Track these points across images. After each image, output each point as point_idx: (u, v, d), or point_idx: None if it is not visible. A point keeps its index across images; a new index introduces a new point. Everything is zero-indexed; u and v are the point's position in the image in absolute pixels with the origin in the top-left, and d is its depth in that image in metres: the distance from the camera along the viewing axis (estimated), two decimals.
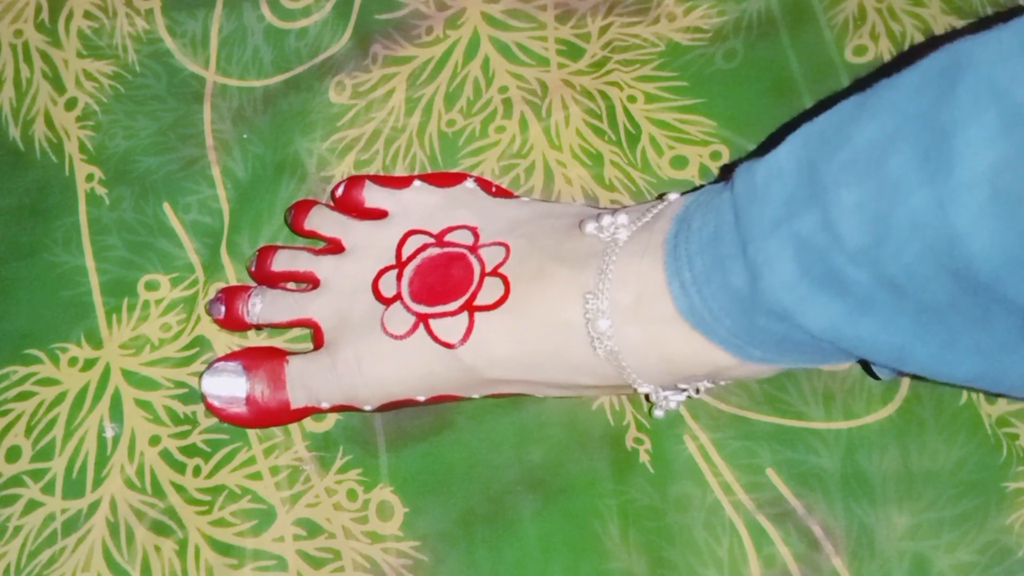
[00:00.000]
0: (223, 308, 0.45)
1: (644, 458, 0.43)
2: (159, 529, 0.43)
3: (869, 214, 0.32)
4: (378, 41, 0.51)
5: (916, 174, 0.31)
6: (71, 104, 0.52)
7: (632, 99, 0.49)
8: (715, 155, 0.48)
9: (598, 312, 0.39)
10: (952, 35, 0.34)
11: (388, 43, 0.51)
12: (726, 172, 0.46)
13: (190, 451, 0.44)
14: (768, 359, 0.38)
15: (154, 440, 0.45)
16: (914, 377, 0.41)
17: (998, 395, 0.42)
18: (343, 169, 0.49)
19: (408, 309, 0.42)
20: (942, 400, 0.42)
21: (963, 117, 0.30)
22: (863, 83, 0.36)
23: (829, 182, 0.33)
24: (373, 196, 0.46)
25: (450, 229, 0.44)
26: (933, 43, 0.35)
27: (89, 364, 0.46)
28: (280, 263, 0.45)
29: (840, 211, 0.32)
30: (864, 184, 0.32)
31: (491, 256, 0.42)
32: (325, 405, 0.43)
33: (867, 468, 0.42)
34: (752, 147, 0.47)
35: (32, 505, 0.44)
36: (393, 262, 0.43)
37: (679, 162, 0.48)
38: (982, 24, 0.35)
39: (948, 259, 0.31)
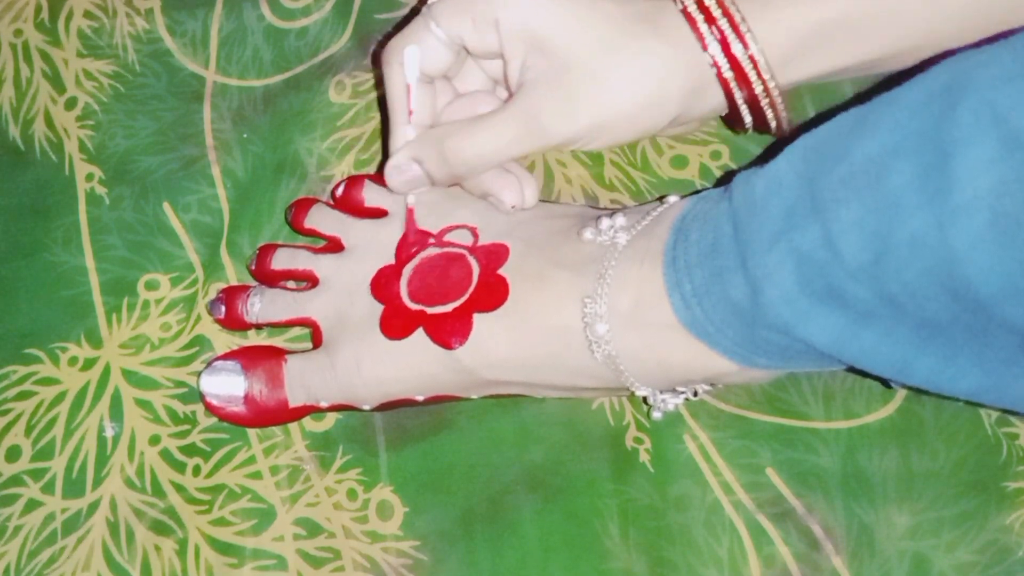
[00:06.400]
0: (223, 308, 0.45)
1: (644, 458, 0.43)
2: (159, 529, 0.43)
3: (869, 232, 0.32)
4: (378, 40, 0.51)
5: (916, 194, 0.31)
6: (71, 104, 0.52)
7: None
8: (715, 155, 0.48)
9: (596, 317, 0.39)
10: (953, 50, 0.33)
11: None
12: (727, 178, 0.46)
13: (190, 450, 0.44)
14: (773, 366, 0.39)
15: (154, 440, 0.45)
16: (918, 391, 0.41)
17: (1003, 411, 0.42)
18: (343, 168, 0.49)
19: (407, 309, 0.42)
20: (942, 400, 0.42)
21: (963, 139, 0.30)
22: (863, 97, 0.35)
23: (829, 197, 0.33)
24: (373, 195, 0.46)
25: (449, 229, 0.44)
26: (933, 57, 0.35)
27: (89, 364, 0.46)
28: (280, 262, 0.45)
29: (840, 228, 0.32)
30: (864, 201, 0.32)
31: (490, 257, 0.42)
32: (324, 404, 0.43)
33: (867, 468, 0.42)
34: (751, 147, 0.47)
35: (32, 505, 0.44)
36: (392, 261, 0.43)
37: (679, 161, 0.48)
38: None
39: (948, 279, 0.31)
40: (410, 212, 0.43)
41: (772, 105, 0.39)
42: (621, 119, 0.40)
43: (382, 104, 0.49)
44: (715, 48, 0.38)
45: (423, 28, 0.41)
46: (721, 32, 0.38)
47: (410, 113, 0.42)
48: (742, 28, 0.38)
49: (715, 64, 0.38)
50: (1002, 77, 0.30)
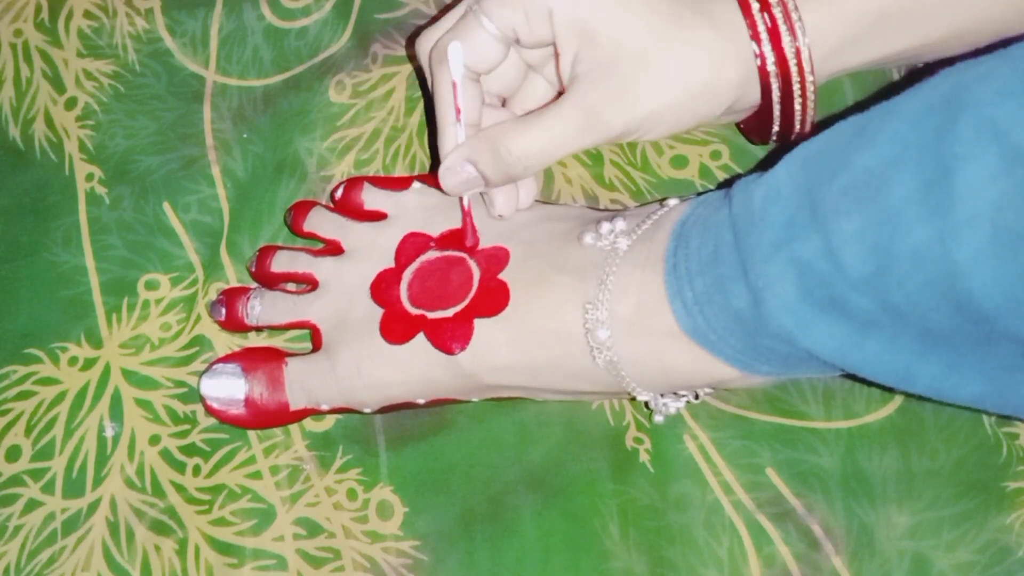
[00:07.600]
0: (224, 310, 0.45)
1: (644, 458, 0.43)
2: (159, 528, 0.43)
3: (870, 244, 0.32)
4: (378, 40, 0.51)
5: (917, 207, 0.31)
6: (71, 104, 0.52)
7: None
8: (715, 154, 0.48)
9: (598, 323, 0.39)
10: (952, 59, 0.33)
11: (388, 42, 0.51)
12: (727, 181, 0.46)
13: (190, 450, 0.44)
14: (776, 373, 0.38)
15: (154, 439, 0.45)
16: (920, 398, 0.41)
17: (1005, 416, 0.42)
18: (343, 168, 0.49)
19: (407, 313, 0.42)
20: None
21: (964, 153, 0.30)
22: (862, 104, 0.35)
23: (829, 208, 0.33)
24: (372, 198, 0.46)
25: (450, 232, 0.44)
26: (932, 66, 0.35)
27: (89, 364, 0.46)
28: (280, 264, 0.45)
29: (841, 239, 0.32)
30: (864, 213, 0.32)
31: (491, 261, 0.41)
32: (324, 407, 0.43)
33: (867, 468, 0.42)
34: (751, 147, 0.47)
35: (32, 504, 0.44)
36: (392, 264, 0.43)
37: (679, 161, 0.48)
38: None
39: (950, 292, 0.31)
40: (468, 213, 0.42)
41: (804, 103, 0.39)
42: (678, 107, 0.39)
43: (428, 105, 0.48)
44: (763, 38, 0.38)
45: (474, 24, 0.40)
46: (773, 20, 0.38)
47: (458, 112, 0.41)
48: (794, 17, 0.38)
49: (759, 55, 0.39)
50: (1002, 92, 0.30)
